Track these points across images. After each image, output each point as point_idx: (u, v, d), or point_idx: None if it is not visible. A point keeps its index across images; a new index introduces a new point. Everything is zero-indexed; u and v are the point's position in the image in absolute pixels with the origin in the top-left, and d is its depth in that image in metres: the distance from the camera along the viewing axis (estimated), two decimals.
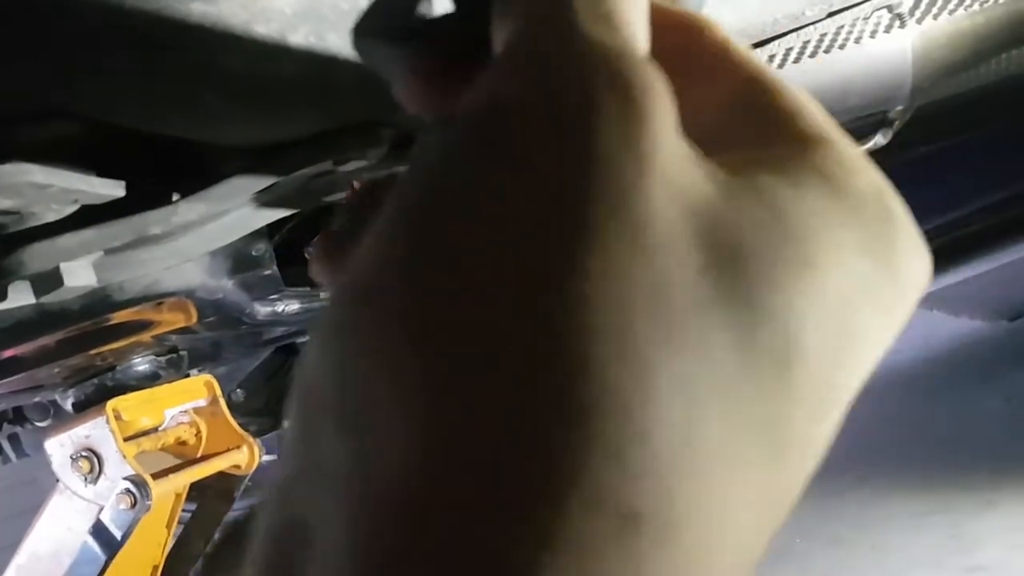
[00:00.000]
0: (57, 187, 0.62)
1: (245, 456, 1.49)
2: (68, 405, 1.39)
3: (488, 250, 0.19)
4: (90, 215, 0.69)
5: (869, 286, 0.21)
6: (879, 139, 1.20)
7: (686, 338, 0.18)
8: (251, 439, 1.50)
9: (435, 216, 0.20)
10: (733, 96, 0.24)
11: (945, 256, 3.27)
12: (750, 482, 0.19)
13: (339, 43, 0.62)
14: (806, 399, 0.20)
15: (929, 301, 2.67)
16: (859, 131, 1.18)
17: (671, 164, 0.19)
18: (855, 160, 0.23)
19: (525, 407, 0.17)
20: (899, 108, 1.18)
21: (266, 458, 1.54)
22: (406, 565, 0.17)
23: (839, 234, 0.21)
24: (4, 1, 0.48)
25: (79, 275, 0.71)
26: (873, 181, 0.23)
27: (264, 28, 0.59)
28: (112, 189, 0.68)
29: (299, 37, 0.61)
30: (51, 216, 0.66)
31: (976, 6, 0.92)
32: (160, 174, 0.71)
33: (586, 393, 0.17)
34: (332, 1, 0.59)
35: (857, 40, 0.89)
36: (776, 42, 0.82)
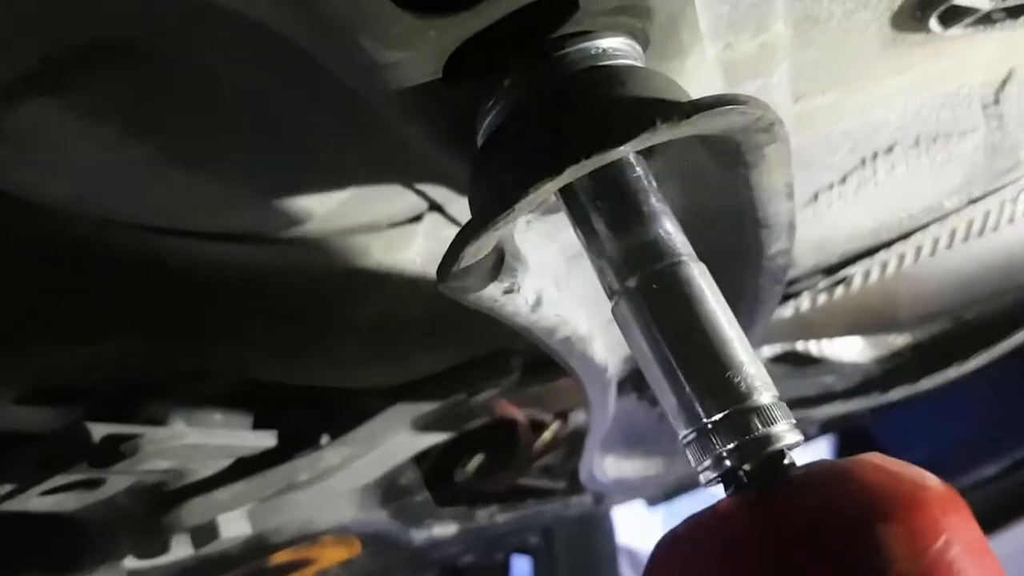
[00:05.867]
0: (211, 445, 0.65)
1: None
2: None
3: None
4: (244, 464, 0.73)
5: None
6: None
7: None
8: None
9: None
10: None
11: None
12: None
13: None
14: None
15: None
16: None
17: None
18: None
19: None
20: None
21: None
22: None
23: None
24: (152, 281, 0.54)
25: (235, 526, 0.73)
26: None
27: (398, 279, 0.62)
28: (264, 441, 0.71)
29: (428, 283, 0.63)
30: (207, 472, 0.70)
31: None
32: (308, 419, 0.75)
33: None
34: None
35: (1010, 220, 0.83)
36: (919, 233, 0.78)
